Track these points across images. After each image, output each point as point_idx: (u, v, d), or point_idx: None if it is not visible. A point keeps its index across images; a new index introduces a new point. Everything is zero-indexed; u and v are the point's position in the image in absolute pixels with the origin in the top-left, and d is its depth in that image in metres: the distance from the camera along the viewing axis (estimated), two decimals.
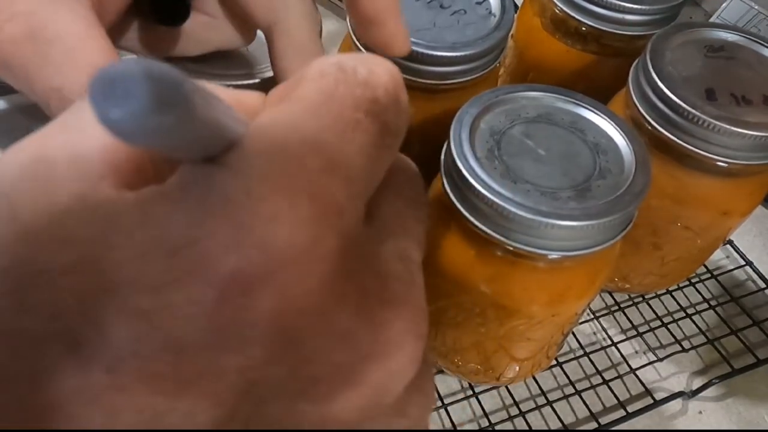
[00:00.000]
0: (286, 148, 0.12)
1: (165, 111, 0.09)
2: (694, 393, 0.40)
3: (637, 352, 0.42)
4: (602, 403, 0.39)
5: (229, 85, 0.23)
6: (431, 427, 0.37)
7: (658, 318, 0.43)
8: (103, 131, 0.12)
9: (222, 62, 0.28)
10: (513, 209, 0.25)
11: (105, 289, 0.10)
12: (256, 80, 0.29)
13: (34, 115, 0.25)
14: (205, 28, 0.27)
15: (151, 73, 0.09)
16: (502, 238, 0.26)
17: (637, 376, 0.40)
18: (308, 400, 0.12)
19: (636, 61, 0.34)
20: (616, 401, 0.38)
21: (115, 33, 0.21)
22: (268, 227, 0.11)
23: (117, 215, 0.11)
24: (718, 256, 0.47)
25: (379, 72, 0.14)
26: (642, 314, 0.43)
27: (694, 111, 0.30)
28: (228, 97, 0.14)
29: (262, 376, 0.11)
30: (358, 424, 0.12)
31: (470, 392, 0.38)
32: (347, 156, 0.12)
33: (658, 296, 0.44)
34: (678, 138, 0.31)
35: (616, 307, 0.43)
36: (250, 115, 0.15)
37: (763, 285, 0.46)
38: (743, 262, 0.46)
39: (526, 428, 0.37)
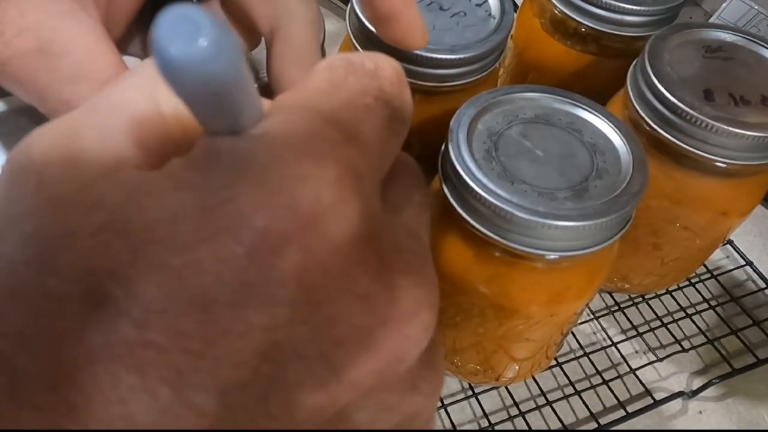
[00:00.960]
0: (307, 122, 0.12)
1: (221, 60, 0.09)
2: (694, 393, 0.40)
3: (637, 352, 0.42)
4: (602, 403, 0.39)
5: None
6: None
7: (658, 318, 0.43)
8: (133, 112, 0.12)
9: None
10: (510, 210, 0.25)
11: (134, 249, 0.10)
12: (256, 84, 0.29)
13: (35, 117, 0.25)
14: None
15: (216, 24, 0.09)
16: (500, 239, 0.26)
17: (637, 376, 0.40)
18: (328, 363, 0.12)
19: (634, 61, 0.34)
20: (616, 401, 0.38)
21: (119, 40, 0.21)
22: (296, 187, 0.11)
23: (146, 183, 0.11)
24: (718, 256, 0.47)
25: (384, 66, 0.15)
26: (642, 314, 0.43)
27: (692, 111, 0.30)
28: None
29: (286, 337, 0.11)
30: (374, 391, 0.13)
31: (470, 393, 0.38)
32: (362, 133, 0.13)
33: (658, 296, 0.44)
34: (676, 138, 0.31)
35: (616, 307, 0.43)
36: None
37: (763, 285, 0.46)
38: (743, 262, 0.46)
39: (526, 428, 0.37)
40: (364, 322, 0.12)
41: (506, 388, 0.39)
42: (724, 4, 0.51)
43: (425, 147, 0.29)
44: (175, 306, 0.10)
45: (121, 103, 0.13)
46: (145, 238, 0.11)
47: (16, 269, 0.11)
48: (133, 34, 0.26)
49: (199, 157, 0.12)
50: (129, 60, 0.21)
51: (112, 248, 0.11)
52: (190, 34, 0.09)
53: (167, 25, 0.09)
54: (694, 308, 0.44)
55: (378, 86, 0.14)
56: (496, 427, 0.37)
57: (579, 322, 0.41)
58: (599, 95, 0.32)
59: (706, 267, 0.46)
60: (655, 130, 0.32)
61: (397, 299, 0.13)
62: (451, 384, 0.39)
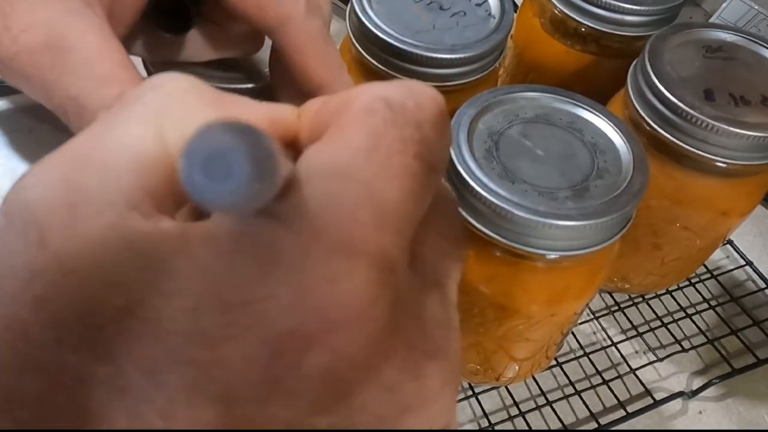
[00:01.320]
0: (339, 201, 0.12)
1: (258, 182, 0.09)
2: (694, 393, 0.40)
3: (637, 352, 0.42)
4: (602, 403, 0.39)
5: (235, 89, 0.23)
6: None
7: (658, 318, 0.43)
8: (138, 152, 0.12)
9: (229, 66, 0.28)
10: (511, 209, 0.25)
11: (157, 337, 0.10)
12: (261, 84, 0.29)
13: (36, 115, 0.25)
14: (213, 37, 0.27)
15: (249, 147, 0.08)
16: (500, 239, 0.26)
17: (637, 376, 0.40)
18: None
19: (635, 61, 0.34)
20: (616, 401, 0.38)
21: (123, 41, 0.21)
22: (326, 290, 0.11)
23: (161, 256, 0.11)
24: (718, 256, 0.47)
25: (427, 106, 0.13)
26: (642, 314, 0.43)
27: (692, 111, 0.30)
28: (262, 116, 0.14)
29: (309, 425, 0.11)
30: None
31: (470, 392, 0.38)
32: (397, 205, 0.12)
33: (658, 296, 0.44)
34: (676, 138, 0.32)
35: (616, 308, 0.43)
36: (287, 133, 0.15)
37: (763, 285, 0.46)
38: (743, 262, 0.46)
39: (526, 428, 0.37)
40: (389, 412, 0.12)
41: (506, 388, 0.39)
42: (724, 4, 0.51)
43: None
44: (199, 399, 0.10)
45: (125, 140, 0.12)
46: (167, 329, 0.10)
47: (30, 336, 0.11)
48: (136, 34, 0.26)
49: (222, 233, 0.11)
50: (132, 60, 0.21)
51: (134, 335, 0.10)
52: (224, 172, 0.08)
53: (197, 160, 0.08)
54: (694, 308, 0.44)
55: (419, 138, 0.13)
56: (496, 427, 0.37)
57: (579, 322, 0.41)
58: (599, 95, 0.32)
59: (706, 267, 0.46)
60: (656, 129, 0.32)
61: (423, 386, 0.12)
62: None
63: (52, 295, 0.11)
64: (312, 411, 0.11)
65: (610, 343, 0.41)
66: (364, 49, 0.33)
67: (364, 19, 0.32)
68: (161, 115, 0.13)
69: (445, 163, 0.14)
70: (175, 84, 0.13)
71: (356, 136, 0.13)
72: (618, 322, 0.43)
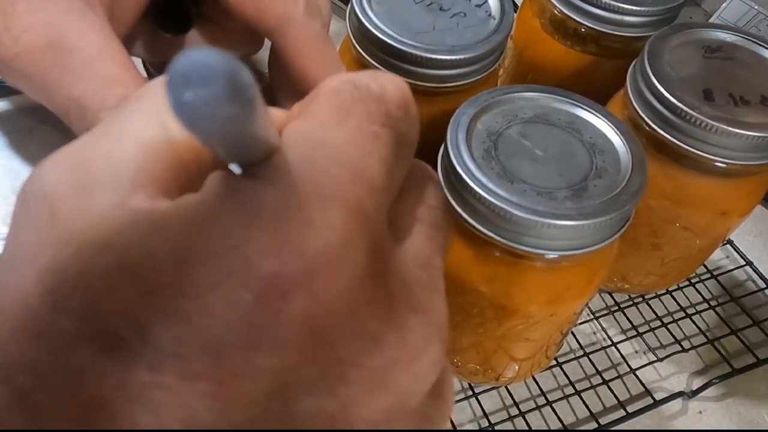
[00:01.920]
0: (315, 162, 0.12)
1: (235, 103, 0.09)
2: (694, 393, 0.40)
3: (637, 352, 0.42)
4: (602, 403, 0.39)
5: None
6: None
7: (658, 318, 0.43)
8: (143, 140, 0.13)
9: None
10: (510, 209, 0.25)
11: (145, 292, 0.11)
12: (260, 85, 0.29)
13: (36, 115, 0.25)
14: (213, 37, 0.27)
15: (229, 66, 0.09)
16: (499, 239, 0.26)
17: (637, 376, 0.40)
18: (337, 401, 0.12)
19: (634, 62, 0.34)
20: (616, 401, 0.39)
21: (123, 41, 0.21)
22: (302, 233, 0.11)
23: (155, 223, 0.11)
24: (718, 256, 0.47)
25: (389, 88, 0.15)
26: (642, 314, 0.43)
27: (691, 112, 0.30)
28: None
29: (295, 377, 0.11)
30: (383, 425, 0.13)
31: (470, 392, 0.38)
32: (369, 166, 0.13)
33: (658, 296, 0.44)
34: (676, 138, 0.32)
35: (616, 308, 0.43)
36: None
37: (763, 285, 0.46)
38: (743, 262, 0.46)
39: (526, 428, 0.37)
40: (373, 363, 0.12)
41: (506, 388, 0.39)
42: (724, 4, 0.51)
43: (425, 147, 0.29)
44: (187, 350, 0.11)
45: (130, 131, 0.13)
46: (156, 281, 0.11)
47: (30, 303, 0.11)
48: (136, 34, 0.26)
49: (210, 196, 0.12)
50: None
51: (123, 292, 0.11)
52: (202, 79, 0.09)
53: (179, 72, 0.09)
54: (694, 308, 0.44)
55: (385, 111, 0.14)
56: (496, 427, 0.37)
57: (579, 322, 0.41)
58: (599, 95, 0.32)
59: (706, 267, 0.46)
60: (655, 130, 0.32)
61: (407, 338, 0.13)
62: None
63: (52, 265, 0.11)
64: (297, 360, 0.11)
65: (610, 343, 0.41)
66: (363, 50, 0.33)
67: (363, 20, 0.32)
68: (163, 111, 0.13)
69: (415, 140, 0.15)
70: None
71: (326, 110, 0.14)
72: (618, 322, 0.43)
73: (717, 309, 0.44)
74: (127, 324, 0.11)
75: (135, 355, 0.11)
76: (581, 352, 0.41)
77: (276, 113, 0.15)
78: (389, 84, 0.15)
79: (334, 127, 0.13)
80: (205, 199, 0.12)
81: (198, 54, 0.09)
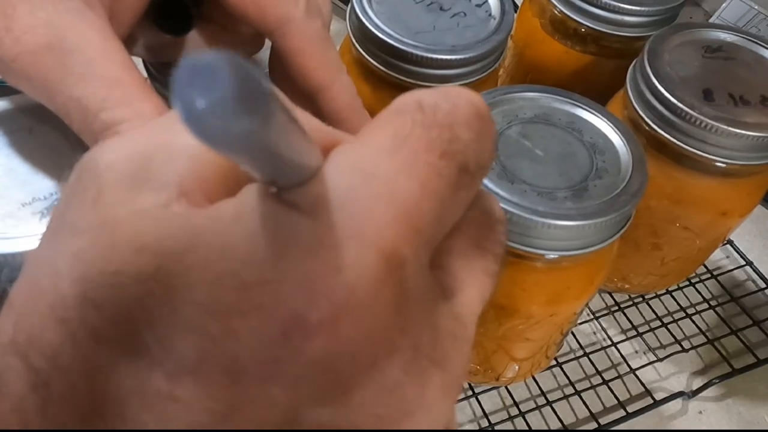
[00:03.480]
0: (357, 196, 0.12)
1: (248, 109, 0.08)
2: (694, 393, 0.40)
3: (637, 352, 0.42)
4: (602, 403, 0.39)
5: None
6: None
7: (658, 318, 0.43)
8: (196, 144, 0.12)
9: None
10: (510, 210, 0.25)
11: (174, 306, 0.11)
12: None
13: (36, 115, 0.25)
14: (213, 37, 0.27)
15: (237, 68, 0.08)
16: None
17: (637, 376, 0.40)
18: None
19: (634, 62, 0.34)
20: (616, 401, 0.39)
21: (123, 41, 0.21)
22: (334, 277, 0.11)
23: (194, 235, 0.11)
24: (718, 256, 0.47)
25: (461, 106, 0.13)
26: (642, 314, 0.43)
27: (691, 112, 0.30)
28: (316, 127, 0.14)
29: (307, 415, 0.11)
30: None
31: (470, 392, 0.38)
32: (417, 203, 0.12)
33: (658, 296, 0.44)
34: (676, 139, 0.32)
35: (616, 308, 0.43)
36: (335, 141, 0.15)
37: (763, 285, 0.46)
38: (743, 262, 0.46)
39: (526, 428, 0.37)
40: (388, 413, 0.12)
41: (506, 388, 0.39)
42: (724, 4, 0.51)
43: None
44: (207, 369, 0.11)
45: (182, 143, 0.13)
46: (186, 299, 0.11)
47: (60, 287, 0.11)
48: (136, 35, 0.26)
49: (246, 215, 0.11)
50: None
51: (155, 301, 0.11)
52: (208, 84, 0.08)
53: (185, 77, 0.08)
54: (694, 308, 0.44)
55: (449, 137, 0.13)
56: (496, 427, 0.37)
57: (579, 322, 0.41)
58: (599, 95, 0.32)
59: (706, 267, 0.46)
60: (655, 130, 0.32)
61: (425, 392, 0.13)
62: None
63: (88, 252, 0.11)
64: (311, 400, 0.11)
65: (610, 343, 0.41)
66: (364, 50, 0.33)
67: (364, 20, 0.32)
68: None
69: (486, 166, 0.14)
70: None
71: (382, 134, 0.13)
72: (618, 322, 0.43)
73: (717, 309, 0.44)
74: (152, 333, 0.11)
75: (155, 363, 0.11)
76: (581, 352, 0.41)
77: (324, 131, 0.15)
78: (463, 101, 0.13)
79: (386, 155, 0.13)
80: (241, 217, 0.11)
81: (205, 56, 0.08)
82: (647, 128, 0.32)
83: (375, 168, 0.12)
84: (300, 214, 0.11)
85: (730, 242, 0.47)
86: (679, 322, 0.43)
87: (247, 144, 0.09)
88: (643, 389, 0.39)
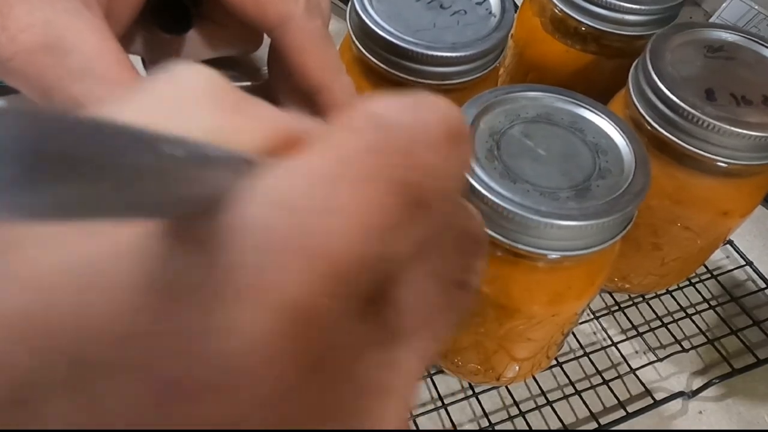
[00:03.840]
0: (271, 237, 0.10)
1: (44, 179, 0.06)
2: (694, 393, 0.40)
3: (637, 352, 0.42)
4: (602, 403, 0.39)
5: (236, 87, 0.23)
6: (431, 427, 0.37)
7: (658, 318, 0.43)
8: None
9: (227, 64, 0.28)
10: (513, 209, 0.25)
11: (54, 358, 0.09)
12: (259, 83, 0.29)
13: None
14: (211, 36, 0.27)
15: (25, 133, 0.06)
16: (501, 239, 0.26)
17: (637, 376, 0.40)
18: None
19: (636, 61, 0.34)
20: (616, 401, 0.38)
21: (120, 39, 0.21)
22: (222, 340, 0.10)
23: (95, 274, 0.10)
24: (718, 256, 0.47)
25: (431, 122, 0.11)
26: (642, 314, 0.43)
27: (693, 111, 0.30)
28: (288, 128, 0.12)
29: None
30: None
31: (470, 392, 0.38)
32: (347, 246, 0.10)
33: (658, 296, 0.44)
34: (678, 138, 0.31)
35: (616, 307, 0.43)
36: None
37: (763, 285, 0.46)
38: (743, 262, 0.46)
39: (526, 428, 0.37)
40: None
41: (506, 387, 0.39)
42: (724, 4, 0.51)
43: None
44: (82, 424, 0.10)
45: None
46: (64, 350, 0.10)
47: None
48: (135, 33, 0.26)
49: (125, 255, 0.10)
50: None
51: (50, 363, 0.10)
52: None
53: None
54: (694, 308, 0.44)
55: (404, 165, 0.11)
56: (496, 427, 0.37)
57: (579, 322, 0.41)
58: (599, 95, 0.32)
59: (706, 267, 0.46)
60: (657, 129, 0.32)
61: None
62: (452, 384, 0.39)
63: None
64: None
65: (610, 343, 0.41)
66: (364, 48, 0.32)
67: (364, 18, 0.31)
68: (159, 113, 0.11)
69: (451, 194, 0.12)
70: (192, 80, 0.12)
71: (323, 157, 0.11)
72: (618, 322, 0.43)
73: (717, 309, 0.44)
74: (38, 396, 0.09)
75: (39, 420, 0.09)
76: (581, 352, 0.41)
77: (284, 124, 0.12)
78: (434, 116, 0.11)
79: (321, 185, 0.10)
80: (120, 257, 0.10)
81: None
82: (649, 128, 0.32)
83: (301, 201, 0.10)
84: (193, 252, 0.10)
85: (731, 242, 0.47)
86: (679, 322, 0.43)
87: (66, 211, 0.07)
88: (643, 389, 0.39)
